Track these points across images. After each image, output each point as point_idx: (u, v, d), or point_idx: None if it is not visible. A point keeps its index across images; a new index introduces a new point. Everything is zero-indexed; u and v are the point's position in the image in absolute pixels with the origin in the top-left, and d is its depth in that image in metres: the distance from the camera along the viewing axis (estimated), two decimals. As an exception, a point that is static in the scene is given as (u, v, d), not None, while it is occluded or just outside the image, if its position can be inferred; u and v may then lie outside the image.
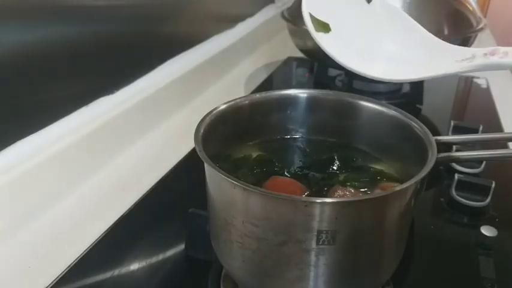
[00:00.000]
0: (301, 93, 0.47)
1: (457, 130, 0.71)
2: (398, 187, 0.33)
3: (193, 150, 0.36)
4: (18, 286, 0.46)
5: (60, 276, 0.46)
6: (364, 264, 0.35)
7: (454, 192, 0.58)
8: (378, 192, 0.35)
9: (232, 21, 1.04)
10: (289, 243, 0.33)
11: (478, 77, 0.99)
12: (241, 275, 0.37)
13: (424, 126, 0.39)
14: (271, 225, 0.32)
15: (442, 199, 0.59)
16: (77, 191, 0.58)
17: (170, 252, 0.50)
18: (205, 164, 0.35)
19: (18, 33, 0.51)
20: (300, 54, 0.90)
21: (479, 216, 0.55)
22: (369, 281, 0.37)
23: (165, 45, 0.80)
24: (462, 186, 0.58)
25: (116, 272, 0.47)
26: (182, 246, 0.49)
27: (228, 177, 0.33)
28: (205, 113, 0.42)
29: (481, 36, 0.81)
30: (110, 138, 0.65)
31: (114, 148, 0.66)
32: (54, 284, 0.45)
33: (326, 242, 0.32)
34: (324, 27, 0.57)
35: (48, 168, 0.55)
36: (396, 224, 0.35)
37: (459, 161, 0.38)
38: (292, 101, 0.47)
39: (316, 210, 0.31)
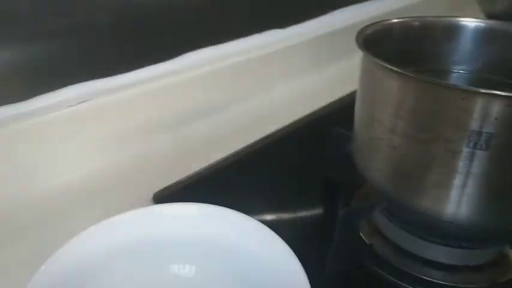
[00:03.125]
0: (479, 23, 0.43)
1: None
2: None
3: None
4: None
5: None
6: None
7: None
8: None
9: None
10: (435, 142, 0.30)
11: None
12: (378, 176, 0.36)
13: None
14: (421, 119, 0.31)
15: None
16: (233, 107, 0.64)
17: (308, 174, 0.52)
18: (363, 54, 0.35)
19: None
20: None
21: None
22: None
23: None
24: None
25: (254, 188, 0.50)
26: (321, 168, 0.50)
27: (382, 63, 0.32)
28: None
29: None
30: (274, 68, 0.69)
31: (275, 77, 0.70)
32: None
33: (478, 146, 0.29)
34: None
35: (211, 80, 0.61)
36: None
37: None
38: (466, 30, 0.43)
39: (474, 105, 0.28)
